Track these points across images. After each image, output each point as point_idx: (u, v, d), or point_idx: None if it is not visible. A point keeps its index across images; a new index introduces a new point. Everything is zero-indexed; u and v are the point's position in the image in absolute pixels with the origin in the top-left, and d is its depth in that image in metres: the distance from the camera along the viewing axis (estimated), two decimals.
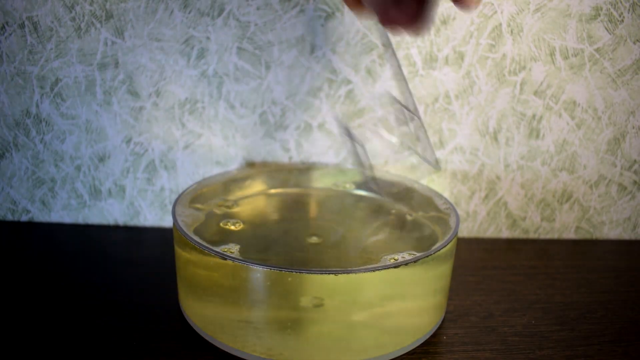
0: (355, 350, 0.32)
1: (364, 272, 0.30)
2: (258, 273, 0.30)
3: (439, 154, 0.48)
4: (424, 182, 0.34)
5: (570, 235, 0.51)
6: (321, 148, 0.48)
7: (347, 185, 0.46)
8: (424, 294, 0.34)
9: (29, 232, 0.47)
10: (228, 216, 0.40)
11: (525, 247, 0.49)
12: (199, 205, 0.39)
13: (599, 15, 0.44)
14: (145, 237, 0.47)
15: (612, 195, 0.50)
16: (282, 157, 0.48)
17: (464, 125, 0.47)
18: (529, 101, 0.46)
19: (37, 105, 0.45)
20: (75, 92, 0.45)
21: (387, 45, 0.33)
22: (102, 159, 0.47)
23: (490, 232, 0.50)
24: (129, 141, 0.47)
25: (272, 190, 0.45)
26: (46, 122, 0.46)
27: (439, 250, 0.33)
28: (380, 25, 0.29)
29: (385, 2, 0.23)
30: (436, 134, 0.47)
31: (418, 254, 0.32)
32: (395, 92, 0.40)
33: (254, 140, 0.47)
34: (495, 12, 0.44)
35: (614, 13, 0.44)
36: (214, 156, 0.47)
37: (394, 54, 0.33)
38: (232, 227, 0.38)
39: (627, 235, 0.51)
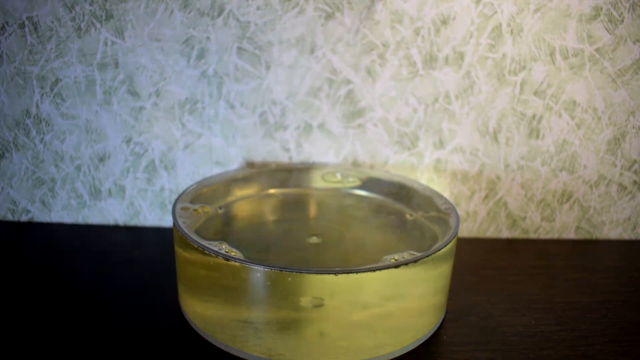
0: (355, 350, 0.32)
1: (364, 272, 0.30)
2: (258, 273, 0.30)
3: (439, 154, 0.48)
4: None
5: (570, 235, 0.51)
6: (321, 148, 0.48)
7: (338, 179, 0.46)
8: (424, 294, 0.34)
9: (29, 232, 0.47)
10: (228, 216, 0.40)
11: (525, 247, 0.49)
12: (199, 205, 0.39)
13: (599, 15, 0.44)
14: (145, 237, 0.47)
15: (612, 195, 0.50)
16: (282, 157, 0.48)
17: (464, 125, 0.47)
18: (529, 101, 0.46)
19: (37, 105, 0.45)
20: (75, 92, 0.45)
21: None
22: (102, 159, 0.47)
23: (490, 232, 0.50)
24: (129, 141, 0.47)
25: (272, 190, 0.45)
26: (46, 122, 0.46)
27: (439, 250, 0.33)
28: None
29: None
30: (436, 134, 0.47)
31: (418, 254, 0.32)
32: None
33: (254, 140, 0.47)
34: (495, 12, 0.44)
35: (614, 13, 0.44)
36: (214, 156, 0.47)
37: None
38: (232, 227, 0.38)
39: (627, 235, 0.51)
